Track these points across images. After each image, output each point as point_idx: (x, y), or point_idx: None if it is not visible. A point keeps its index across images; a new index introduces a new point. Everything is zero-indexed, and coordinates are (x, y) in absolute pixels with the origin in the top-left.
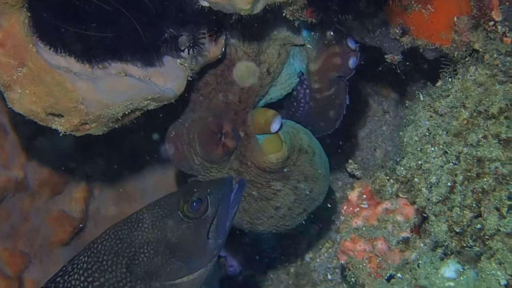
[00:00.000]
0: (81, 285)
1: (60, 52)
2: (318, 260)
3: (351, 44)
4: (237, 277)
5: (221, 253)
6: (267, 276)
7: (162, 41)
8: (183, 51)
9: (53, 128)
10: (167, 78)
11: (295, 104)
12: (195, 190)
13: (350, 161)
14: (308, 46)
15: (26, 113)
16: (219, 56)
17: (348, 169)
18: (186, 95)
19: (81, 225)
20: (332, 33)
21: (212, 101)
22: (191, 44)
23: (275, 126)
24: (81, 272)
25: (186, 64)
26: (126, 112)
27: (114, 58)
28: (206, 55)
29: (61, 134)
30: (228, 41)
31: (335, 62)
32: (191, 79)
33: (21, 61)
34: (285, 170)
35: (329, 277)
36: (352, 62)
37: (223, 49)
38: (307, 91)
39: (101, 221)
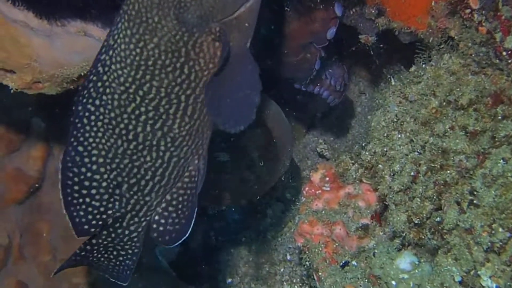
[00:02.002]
0: (133, 53)
1: (18, 5)
2: (279, 239)
3: (338, 10)
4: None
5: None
6: (228, 251)
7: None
8: None
9: (4, 84)
10: None
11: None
12: None
13: (320, 141)
14: (286, 8)
15: None
16: None
17: (318, 149)
18: None
19: (37, 185)
20: None
21: None
22: None
23: None
24: (127, 40)
25: None
26: (82, 74)
27: (74, 16)
28: None
29: (12, 91)
30: None
31: (312, 29)
32: None
33: None
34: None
35: (288, 257)
36: (330, 32)
37: None
38: None
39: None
